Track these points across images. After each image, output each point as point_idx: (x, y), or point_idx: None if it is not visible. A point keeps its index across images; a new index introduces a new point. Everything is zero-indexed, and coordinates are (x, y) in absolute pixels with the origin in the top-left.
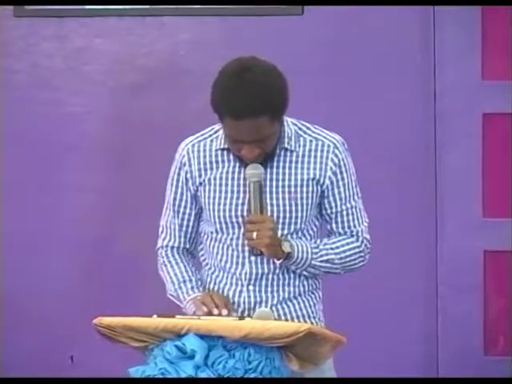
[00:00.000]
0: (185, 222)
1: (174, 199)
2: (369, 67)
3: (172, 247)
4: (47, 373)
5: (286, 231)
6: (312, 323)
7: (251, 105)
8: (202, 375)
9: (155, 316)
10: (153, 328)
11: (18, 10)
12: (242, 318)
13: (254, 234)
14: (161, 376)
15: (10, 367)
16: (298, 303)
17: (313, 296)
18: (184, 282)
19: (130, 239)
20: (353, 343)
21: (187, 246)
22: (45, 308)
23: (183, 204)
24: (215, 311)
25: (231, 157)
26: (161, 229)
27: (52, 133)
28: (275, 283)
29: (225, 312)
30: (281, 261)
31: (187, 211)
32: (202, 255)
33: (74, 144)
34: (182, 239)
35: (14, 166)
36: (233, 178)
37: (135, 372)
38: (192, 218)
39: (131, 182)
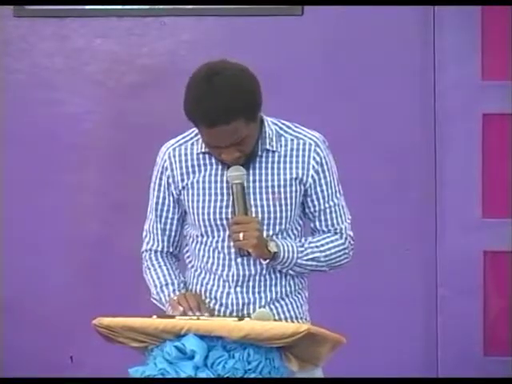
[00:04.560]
0: (168, 226)
1: (157, 204)
2: (369, 67)
3: (155, 251)
4: (47, 373)
5: (271, 232)
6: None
7: (223, 111)
8: (202, 375)
9: (155, 316)
10: (152, 328)
11: (18, 9)
12: (241, 318)
13: (241, 235)
14: (160, 376)
15: (10, 367)
16: (286, 304)
17: (299, 296)
18: (166, 285)
19: (130, 239)
20: (353, 343)
21: (171, 250)
22: (45, 308)
23: (165, 208)
24: (189, 312)
25: (213, 160)
26: (144, 233)
27: (52, 133)
28: (262, 284)
29: (197, 313)
30: (267, 261)
31: (170, 215)
32: (188, 257)
33: (74, 144)
34: (166, 243)
35: (14, 165)
36: (216, 181)
37: (135, 372)
38: (175, 222)
39: (131, 181)
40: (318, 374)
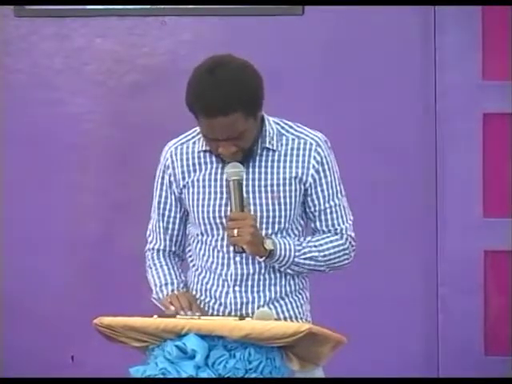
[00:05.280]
0: (170, 225)
1: (159, 203)
2: (369, 67)
3: (158, 250)
4: (47, 373)
5: (270, 231)
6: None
7: (223, 102)
8: (203, 375)
9: (156, 316)
10: (153, 328)
11: (18, 9)
12: (242, 317)
13: (235, 231)
14: (161, 376)
15: (10, 367)
16: (286, 304)
17: (300, 296)
18: (166, 284)
19: (130, 239)
20: (353, 343)
21: (173, 249)
22: (45, 308)
23: (168, 207)
24: (181, 312)
25: (213, 158)
26: (148, 232)
27: (52, 133)
28: (261, 283)
29: (189, 313)
30: (263, 258)
31: (172, 214)
32: (190, 256)
33: (74, 144)
34: (168, 242)
35: (14, 165)
36: (215, 180)
37: (136, 372)
38: (177, 221)
39: (131, 181)
40: (319, 373)
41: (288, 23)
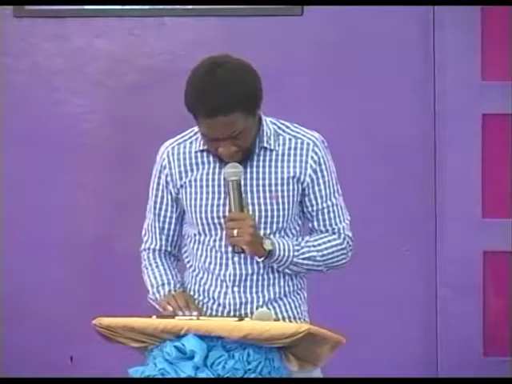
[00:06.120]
0: (166, 225)
1: (155, 203)
2: (369, 67)
3: (154, 250)
4: (47, 373)
5: (268, 230)
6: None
7: (223, 101)
8: (202, 376)
9: (154, 317)
10: (152, 329)
11: (18, 10)
12: (241, 318)
13: (235, 232)
14: (160, 376)
15: (10, 367)
16: (284, 304)
17: (298, 297)
18: (162, 285)
19: (130, 239)
20: (353, 343)
21: (169, 249)
22: (45, 308)
23: (164, 207)
24: (179, 312)
25: (211, 158)
26: (143, 232)
27: (52, 133)
28: (260, 284)
29: (187, 313)
30: (262, 259)
31: (168, 214)
32: (187, 257)
33: (74, 144)
34: (164, 242)
35: (14, 165)
36: (213, 179)
37: (135, 372)
38: (173, 221)
39: (131, 181)
40: (317, 373)
41: (287, 23)
